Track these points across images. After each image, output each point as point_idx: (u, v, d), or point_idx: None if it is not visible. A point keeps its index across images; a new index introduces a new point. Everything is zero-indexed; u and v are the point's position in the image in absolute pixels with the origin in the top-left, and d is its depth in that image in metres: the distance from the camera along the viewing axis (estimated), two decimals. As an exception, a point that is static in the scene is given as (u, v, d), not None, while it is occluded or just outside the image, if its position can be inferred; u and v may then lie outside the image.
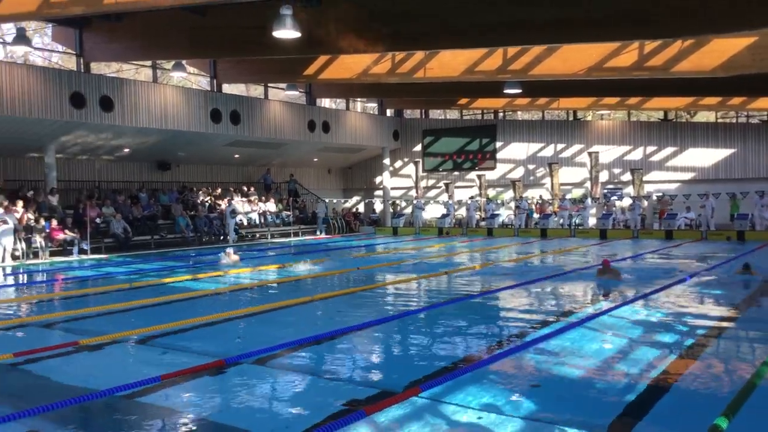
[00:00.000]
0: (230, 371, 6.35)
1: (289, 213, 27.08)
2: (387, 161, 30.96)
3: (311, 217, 28.27)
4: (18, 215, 17.74)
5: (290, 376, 6.31)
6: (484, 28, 15.05)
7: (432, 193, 31.91)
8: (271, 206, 26.69)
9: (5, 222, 16.86)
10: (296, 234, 26.48)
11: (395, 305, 10.19)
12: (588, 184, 28.07)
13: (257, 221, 25.85)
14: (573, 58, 18.63)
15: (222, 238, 23.16)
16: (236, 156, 26.88)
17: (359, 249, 21.55)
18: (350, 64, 21.43)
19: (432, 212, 29.89)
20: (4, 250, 16.90)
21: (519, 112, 34.86)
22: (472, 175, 30.80)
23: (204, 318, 9.04)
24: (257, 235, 25.26)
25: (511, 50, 19.02)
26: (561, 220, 26.74)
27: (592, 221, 26.37)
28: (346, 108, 30.98)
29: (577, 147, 29.55)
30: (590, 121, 30.73)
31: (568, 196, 27.94)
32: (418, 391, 5.48)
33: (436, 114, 34.69)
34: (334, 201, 31.15)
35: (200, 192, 24.97)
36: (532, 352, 6.97)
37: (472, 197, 29.18)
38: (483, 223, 27.88)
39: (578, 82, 21.76)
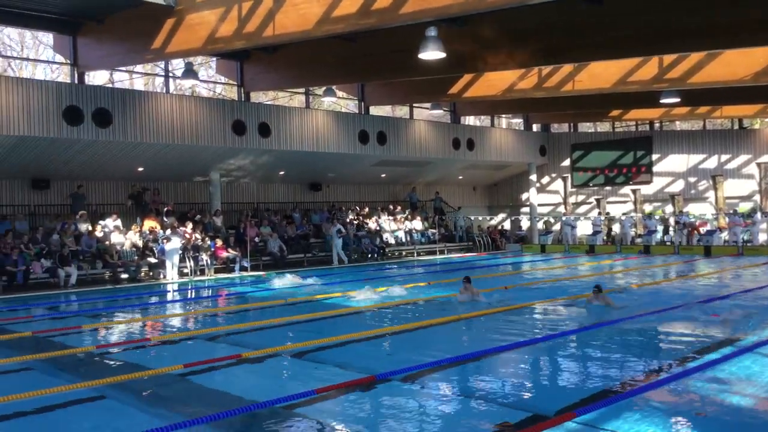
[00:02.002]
0: (380, 387, 6.46)
1: (434, 231, 27.24)
2: (533, 177, 30.30)
3: (461, 235, 28.27)
4: (185, 235, 19.22)
5: (439, 394, 6.31)
6: (638, 37, 14.38)
7: (582, 209, 30.79)
8: (417, 224, 27.00)
9: (168, 240, 18.33)
10: (442, 252, 26.55)
11: (544, 326, 9.90)
12: (757, 197, 25.84)
13: (404, 239, 26.22)
14: (737, 62, 17.31)
15: (371, 256, 23.68)
16: (383, 175, 27.49)
17: (506, 267, 21.22)
18: (495, 81, 21.28)
19: (583, 229, 28.80)
20: (173, 266, 18.36)
21: (677, 122, 32.88)
22: (626, 189, 29.38)
23: (353, 334, 9.28)
24: (404, 253, 25.61)
25: (668, 58, 18.00)
26: (728, 236, 24.74)
27: (762, 237, 24.21)
28: (490, 124, 30.75)
29: (744, 157, 27.33)
30: (758, 129, 28.34)
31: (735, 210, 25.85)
32: (573, 416, 5.27)
33: (585, 127, 33.52)
34: (480, 218, 30.94)
35: (349, 211, 25.77)
36: (695, 378, 6.50)
37: (626, 213, 27.82)
38: (639, 240, 26.46)
39: (744, 88, 20.17)
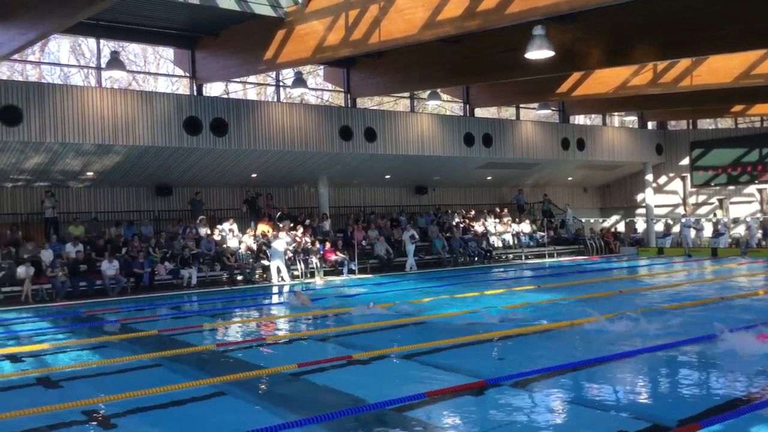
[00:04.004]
0: (491, 392, 6.39)
1: (543, 234, 26.62)
2: (649, 177, 28.99)
3: (571, 237, 27.50)
4: (295, 238, 19.80)
5: (551, 401, 6.17)
6: (762, 28, 13.47)
7: (703, 210, 29.15)
8: (524, 227, 26.49)
9: (268, 245, 18.94)
10: (551, 255, 25.92)
11: (662, 333, 9.41)
12: None
13: (511, 242, 25.81)
14: None
15: (478, 259, 23.53)
16: (489, 178, 27.19)
17: (620, 271, 20.43)
18: (606, 78, 20.56)
19: (707, 231, 27.22)
20: (278, 269, 18.90)
21: (808, 116, 30.47)
22: (752, 189, 27.57)
23: (463, 338, 9.23)
24: (511, 256, 25.22)
25: (797, 47, 16.76)
26: None
27: None
28: (602, 123, 29.71)
29: None
30: None
31: None
32: (697, 428, 5.01)
33: (705, 124, 31.75)
34: (591, 220, 29.96)
35: (455, 214, 25.66)
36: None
37: (751, 214, 26.08)
38: (765, 243, 24.71)
39: None
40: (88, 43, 26.17)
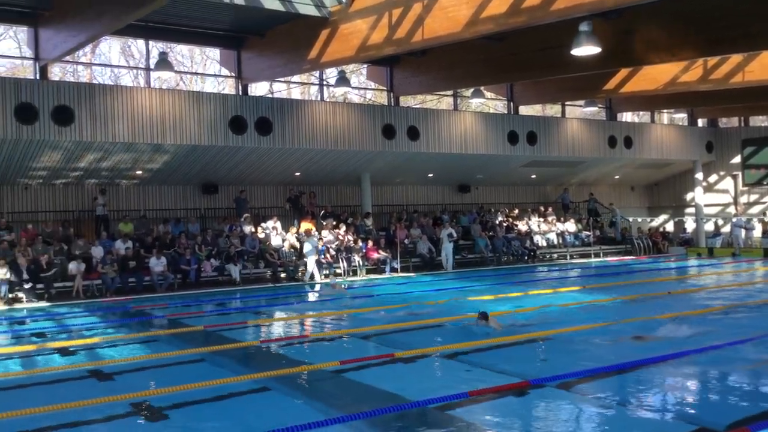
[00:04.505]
0: (534, 393, 6.34)
1: (588, 233, 26.21)
2: (699, 176, 28.27)
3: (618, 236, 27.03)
4: (330, 237, 19.95)
5: (597, 404, 6.08)
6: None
7: (754, 209, 28.30)
8: (570, 226, 26.12)
9: (301, 242, 19.11)
10: (597, 255, 25.50)
11: (710, 335, 9.18)
12: None
13: (555, 242, 25.48)
14: None
15: (522, 258, 23.32)
16: (533, 176, 26.89)
17: (668, 272, 19.99)
18: (655, 75, 20.12)
19: (757, 231, 26.42)
20: (312, 267, 18.91)
21: None
22: (807, 188, 26.67)
23: (505, 338, 9.16)
24: (555, 256, 24.90)
25: None
26: None
27: None
28: (650, 120, 29.09)
29: None
30: None
31: None
32: (746, 434, 4.88)
33: (758, 121, 30.78)
34: (639, 220, 29.36)
35: (498, 213, 25.45)
36: None
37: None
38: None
39: None
40: (138, 45, 26.78)
